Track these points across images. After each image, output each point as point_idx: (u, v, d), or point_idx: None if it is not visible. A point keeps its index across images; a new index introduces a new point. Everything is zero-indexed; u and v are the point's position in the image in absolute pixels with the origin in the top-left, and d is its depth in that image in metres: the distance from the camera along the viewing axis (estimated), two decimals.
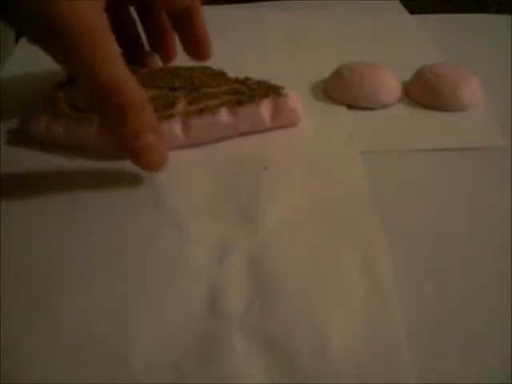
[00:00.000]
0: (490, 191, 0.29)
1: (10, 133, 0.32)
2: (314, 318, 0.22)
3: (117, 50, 0.26)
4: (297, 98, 0.33)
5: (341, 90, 0.36)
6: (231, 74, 0.34)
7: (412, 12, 0.51)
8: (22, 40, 0.43)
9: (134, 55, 0.36)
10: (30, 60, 0.34)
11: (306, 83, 0.38)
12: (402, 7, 0.52)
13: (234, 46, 0.43)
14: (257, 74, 0.36)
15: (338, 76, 0.36)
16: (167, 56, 0.37)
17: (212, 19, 0.45)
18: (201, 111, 0.30)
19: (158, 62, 0.37)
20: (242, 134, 0.32)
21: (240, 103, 0.31)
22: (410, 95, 0.36)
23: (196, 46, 0.35)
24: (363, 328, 0.21)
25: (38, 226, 0.26)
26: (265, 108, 0.32)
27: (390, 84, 0.36)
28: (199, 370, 0.20)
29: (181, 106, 0.31)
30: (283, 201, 0.27)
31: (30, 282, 0.23)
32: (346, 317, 0.22)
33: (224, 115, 0.31)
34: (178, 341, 0.21)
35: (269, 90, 0.32)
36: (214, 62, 0.35)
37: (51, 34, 0.24)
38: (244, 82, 0.33)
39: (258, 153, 0.31)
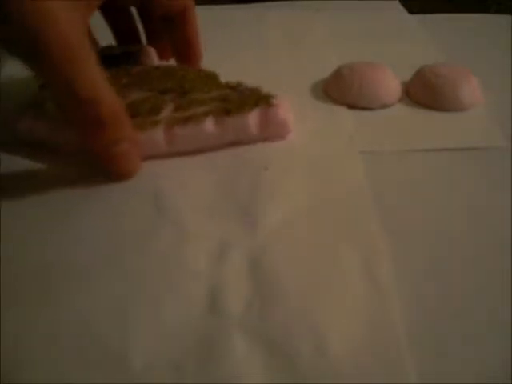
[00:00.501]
0: (489, 191, 0.29)
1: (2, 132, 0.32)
2: (314, 318, 0.22)
3: (95, 61, 0.25)
4: (288, 108, 0.31)
5: (341, 89, 0.36)
6: (231, 75, 0.33)
7: (412, 12, 0.51)
8: None
9: (130, 51, 0.35)
10: None
11: (305, 83, 0.38)
12: (401, 7, 0.52)
13: (234, 46, 0.43)
14: (257, 74, 0.36)
15: (337, 76, 0.36)
16: (166, 54, 0.36)
17: (212, 19, 0.45)
18: (186, 120, 0.29)
19: (154, 58, 0.36)
20: (231, 144, 0.31)
21: (228, 113, 0.30)
22: (410, 95, 0.36)
23: (187, 50, 0.34)
24: (363, 328, 0.21)
25: (38, 225, 0.26)
26: (253, 119, 0.30)
27: (390, 84, 0.36)
28: (199, 370, 0.20)
29: (167, 111, 0.30)
30: (283, 201, 0.27)
31: (30, 282, 0.23)
32: (346, 317, 0.22)
33: (210, 125, 0.29)
34: (177, 341, 0.21)
35: (259, 100, 0.30)
36: (214, 62, 0.35)
37: (27, 47, 0.23)
38: (235, 87, 0.32)
39: (258, 153, 0.31)
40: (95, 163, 0.28)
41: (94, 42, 0.35)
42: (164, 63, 0.36)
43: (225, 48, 0.42)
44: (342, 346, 0.20)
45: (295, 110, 0.35)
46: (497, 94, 0.36)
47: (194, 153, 0.30)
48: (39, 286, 0.23)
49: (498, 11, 0.52)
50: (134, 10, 0.36)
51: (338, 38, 0.45)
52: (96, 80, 0.25)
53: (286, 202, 0.27)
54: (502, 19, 0.49)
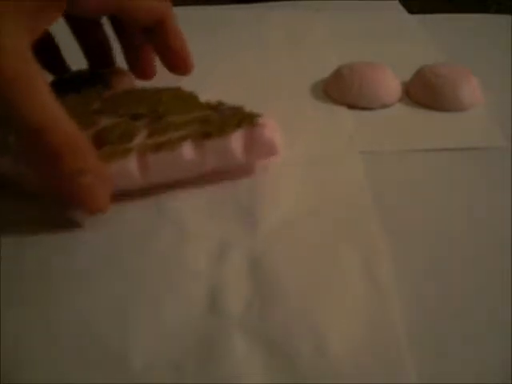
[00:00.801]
0: (489, 191, 0.29)
1: None
2: (314, 318, 0.22)
3: (44, 88, 0.23)
4: (274, 127, 0.28)
5: (341, 89, 0.36)
6: (231, 75, 0.33)
7: (412, 12, 0.51)
8: None
9: (102, 74, 0.33)
10: None
11: (306, 83, 0.38)
12: (401, 7, 0.52)
13: (234, 46, 0.43)
14: (257, 74, 0.36)
15: (337, 76, 0.36)
16: (145, 73, 0.34)
17: (212, 19, 0.45)
18: (160, 145, 0.26)
19: (128, 80, 0.33)
20: (213, 172, 0.27)
21: (207, 136, 0.26)
22: (410, 95, 0.36)
23: (174, 59, 0.32)
24: (363, 328, 0.21)
25: (37, 225, 0.26)
26: (236, 141, 0.27)
27: (390, 84, 0.36)
28: (199, 370, 0.20)
29: (140, 138, 0.27)
30: (283, 201, 0.27)
31: (30, 282, 0.23)
32: (346, 317, 0.22)
33: (187, 150, 0.26)
34: (178, 341, 0.21)
35: (243, 120, 0.27)
36: (214, 62, 0.35)
37: None
38: (216, 107, 0.29)
39: None
40: (60, 200, 0.25)
41: (62, 65, 0.33)
42: (139, 86, 0.33)
43: (225, 48, 0.42)
44: (342, 346, 0.20)
45: (295, 110, 0.35)
46: (497, 94, 0.36)
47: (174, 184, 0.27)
48: (39, 286, 0.23)
49: (498, 11, 0.52)
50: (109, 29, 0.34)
51: (337, 38, 0.45)
52: (45, 108, 0.23)
53: (286, 202, 0.27)
54: (501, 19, 0.49)
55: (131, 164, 0.26)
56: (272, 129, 0.28)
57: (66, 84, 0.31)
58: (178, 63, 0.32)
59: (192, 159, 0.26)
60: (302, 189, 0.28)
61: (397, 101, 0.36)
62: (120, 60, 0.34)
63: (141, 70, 0.34)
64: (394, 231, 0.26)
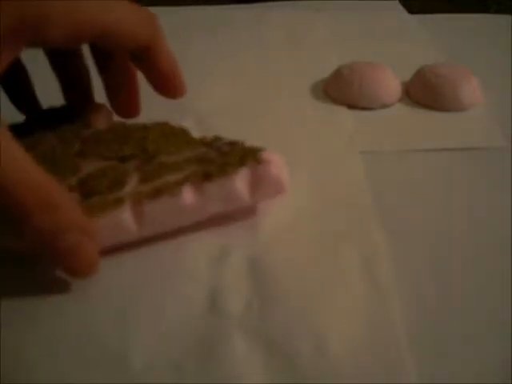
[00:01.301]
0: (489, 191, 0.29)
1: None
2: (314, 317, 0.22)
3: (14, 145, 0.20)
4: (280, 163, 0.25)
5: (341, 89, 0.36)
6: (231, 75, 0.33)
7: (412, 12, 0.51)
8: None
9: (78, 110, 0.29)
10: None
11: (305, 83, 0.38)
12: (401, 7, 0.52)
13: (234, 46, 0.43)
14: (257, 74, 0.36)
15: (337, 76, 0.36)
16: (129, 111, 0.30)
17: (212, 19, 0.45)
18: (157, 192, 0.23)
19: (108, 117, 0.30)
20: (214, 216, 0.25)
21: (208, 177, 0.24)
22: (410, 95, 0.36)
23: (165, 84, 0.28)
24: (363, 328, 0.21)
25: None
26: (241, 181, 0.24)
27: (390, 84, 0.36)
28: (199, 369, 0.20)
29: (132, 184, 0.24)
30: (283, 201, 0.27)
31: (30, 282, 0.23)
32: (346, 317, 0.22)
33: (188, 195, 0.24)
34: (178, 341, 0.21)
35: (245, 156, 0.25)
36: (214, 62, 0.35)
37: None
38: (212, 143, 0.26)
39: None
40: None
41: (33, 101, 0.30)
42: (119, 122, 0.29)
43: (225, 48, 0.43)
44: (342, 346, 0.20)
45: (295, 109, 0.35)
46: (497, 94, 0.36)
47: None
48: (39, 286, 0.23)
49: (498, 11, 0.52)
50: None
51: (337, 38, 0.45)
52: (5, 159, 0.19)
53: (286, 202, 0.27)
54: (501, 19, 0.49)
55: (125, 215, 0.23)
56: (278, 165, 0.25)
57: (38, 122, 0.28)
58: (170, 87, 0.29)
59: (192, 204, 0.24)
60: (302, 189, 0.28)
61: (397, 101, 0.36)
62: (98, 95, 0.31)
63: (125, 107, 0.30)
64: (394, 231, 0.26)
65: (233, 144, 0.26)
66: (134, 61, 0.28)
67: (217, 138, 0.26)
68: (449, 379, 0.20)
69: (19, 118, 0.30)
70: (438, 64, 0.37)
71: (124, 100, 0.30)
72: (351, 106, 0.35)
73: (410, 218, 0.27)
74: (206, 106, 0.35)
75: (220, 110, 0.35)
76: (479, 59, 0.41)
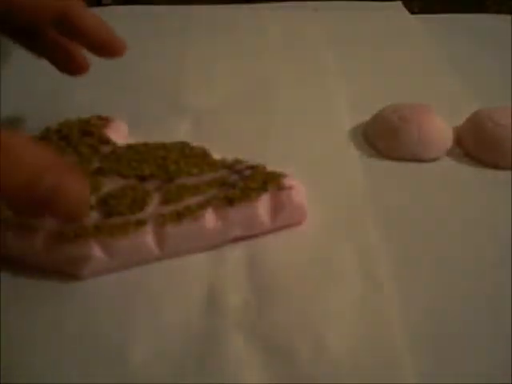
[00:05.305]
0: (489, 191, 0.29)
1: None
2: (313, 317, 0.22)
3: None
4: (302, 189, 0.26)
5: (395, 142, 0.31)
6: (231, 75, 0.33)
7: (412, 12, 0.51)
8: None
9: (95, 126, 0.29)
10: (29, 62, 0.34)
11: (305, 81, 0.38)
12: (402, 7, 0.52)
13: (234, 45, 0.43)
14: (256, 74, 0.36)
15: (392, 128, 0.31)
16: (77, 66, 0.30)
17: (213, 19, 0.45)
18: (179, 216, 0.24)
19: (124, 131, 0.30)
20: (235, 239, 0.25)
21: (230, 202, 0.24)
22: (460, 143, 0.31)
23: (97, 43, 0.29)
24: (362, 328, 0.21)
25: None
26: (263, 207, 0.24)
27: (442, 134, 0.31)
28: (198, 367, 0.20)
29: (152, 205, 0.24)
30: None
31: (30, 281, 0.23)
32: (346, 317, 0.22)
33: (210, 219, 0.24)
34: (177, 339, 0.21)
35: (267, 182, 0.25)
36: (214, 62, 0.35)
37: None
38: (233, 166, 0.26)
39: (258, 153, 0.31)
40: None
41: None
42: (136, 144, 0.29)
43: (225, 48, 0.42)
44: (341, 346, 0.20)
45: (295, 109, 0.35)
46: (496, 94, 0.36)
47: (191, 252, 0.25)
48: (40, 286, 0.23)
49: (498, 11, 0.52)
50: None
51: (337, 39, 0.45)
52: None
53: None
54: (502, 19, 0.49)
55: (147, 237, 0.23)
56: (299, 191, 0.25)
57: (56, 137, 0.29)
58: (103, 46, 0.29)
59: (214, 228, 0.24)
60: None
61: (444, 154, 0.31)
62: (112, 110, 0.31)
63: (71, 65, 0.30)
64: (394, 231, 0.26)
65: (254, 168, 0.26)
66: (62, 33, 0.29)
67: (238, 161, 0.26)
68: (449, 379, 0.20)
69: (22, 123, 0.30)
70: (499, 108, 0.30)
71: (68, 63, 0.30)
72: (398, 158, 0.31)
73: (410, 218, 0.27)
74: (205, 104, 0.35)
75: (219, 108, 0.35)
76: (479, 59, 0.41)
